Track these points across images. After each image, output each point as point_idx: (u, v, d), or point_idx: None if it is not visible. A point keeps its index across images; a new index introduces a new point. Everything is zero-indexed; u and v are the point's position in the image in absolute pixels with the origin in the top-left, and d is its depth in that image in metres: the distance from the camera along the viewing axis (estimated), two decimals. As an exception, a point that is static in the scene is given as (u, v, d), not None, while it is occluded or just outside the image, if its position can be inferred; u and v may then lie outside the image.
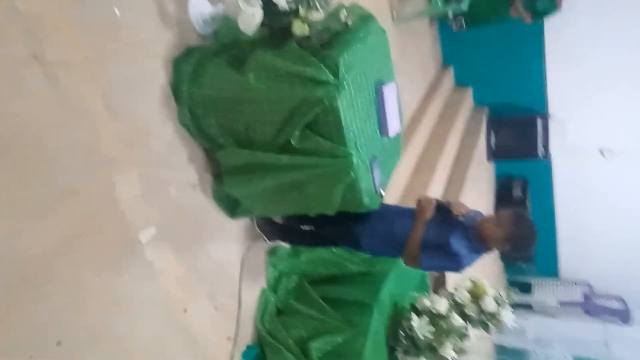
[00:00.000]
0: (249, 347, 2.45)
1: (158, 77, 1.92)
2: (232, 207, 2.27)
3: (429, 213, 2.14)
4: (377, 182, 2.09)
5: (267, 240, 2.55)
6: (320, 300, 2.61)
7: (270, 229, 2.52)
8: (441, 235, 2.13)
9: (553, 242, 6.85)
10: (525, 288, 7.15)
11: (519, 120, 5.89)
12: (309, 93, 1.81)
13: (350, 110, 1.87)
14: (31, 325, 1.47)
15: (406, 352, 2.67)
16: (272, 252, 2.63)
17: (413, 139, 4.34)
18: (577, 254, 6.91)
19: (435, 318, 2.73)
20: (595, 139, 6.00)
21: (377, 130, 2.14)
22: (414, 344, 2.65)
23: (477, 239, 2.17)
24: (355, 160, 1.89)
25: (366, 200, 2.03)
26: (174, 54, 1.97)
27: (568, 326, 6.97)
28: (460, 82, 5.96)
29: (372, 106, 2.08)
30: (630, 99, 5.66)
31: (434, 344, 2.63)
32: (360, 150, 1.94)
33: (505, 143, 5.88)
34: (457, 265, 2.16)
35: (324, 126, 1.86)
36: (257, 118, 1.93)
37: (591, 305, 7.13)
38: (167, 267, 1.97)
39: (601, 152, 6.09)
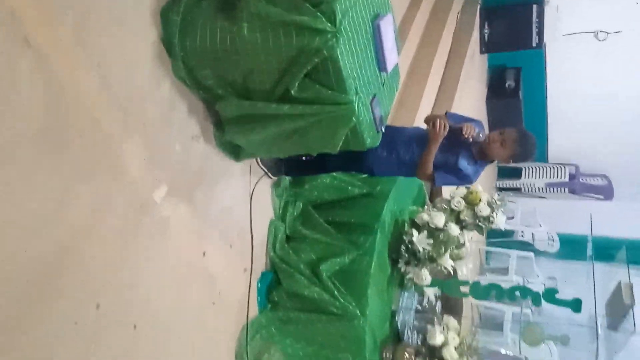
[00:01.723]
0: (263, 274, 2.65)
1: (148, 33, 1.84)
2: (235, 151, 2.31)
3: (441, 137, 2.26)
4: (377, 121, 2.11)
5: (271, 177, 2.63)
6: (326, 225, 2.77)
7: (274, 164, 2.59)
8: (450, 158, 2.33)
9: (543, 129, 6.99)
10: (515, 173, 7.44)
11: (513, 9, 5.66)
12: (306, 43, 1.75)
13: (350, 56, 1.84)
14: (66, 298, 1.58)
15: (408, 264, 2.90)
16: (277, 184, 2.72)
17: (405, 43, 4.22)
18: (566, 138, 7.09)
19: (433, 231, 2.93)
20: (590, 22, 5.85)
21: (376, 68, 2.10)
22: (415, 256, 2.87)
23: (482, 156, 2.38)
24: (356, 106, 1.90)
25: (368, 140, 2.07)
26: (160, 4, 1.87)
27: (554, 205, 7.39)
28: (453, -31, 5.60)
29: (369, 44, 2.02)
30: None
31: (433, 255, 2.85)
32: (360, 94, 1.93)
33: (499, 34, 5.73)
34: (466, 181, 2.45)
35: (324, 75, 1.83)
36: (253, 68, 1.89)
37: (577, 184, 7.48)
38: (182, 219, 2.07)
39: (596, 35, 5.96)
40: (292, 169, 2.68)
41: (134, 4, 1.78)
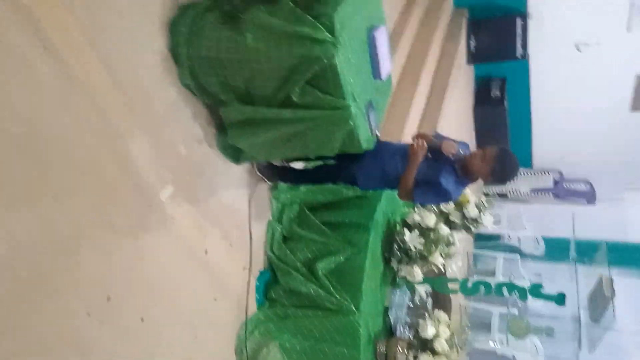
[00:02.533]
0: (261, 272, 2.76)
1: (156, 41, 1.96)
2: (236, 154, 2.43)
3: (421, 157, 2.31)
4: (372, 125, 2.25)
5: (267, 182, 2.75)
6: (321, 225, 2.88)
7: (270, 171, 2.71)
8: (431, 174, 2.34)
9: (528, 136, 7.21)
10: (501, 179, 7.64)
11: (498, 21, 5.88)
12: (307, 52, 1.88)
13: (347, 64, 1.97)
14: (81, 288, 1.69)
15: (400, 262, 3.02)
16: (274, 187, 2.84)
17: (395, 53, 4.38)
18: (550, 145, 7.32)
19: (424, 230, 3.06)
20: (571, 34, 6.09)
21: (371, 75, 2.24)
22: (407, 255, 3.00)
23: (464, 172, 2.38)
24: (353, 110, 2.03)
25: (364, 143, 2.21)
26: (169, 16, 1.99)
27: (539, 210, 7.60)
28: (440, -18, 5.81)
29: (365, 53, 2.17)
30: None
31: (425, 253, 2.98)
32: (357, 99, 2.06)
33: (484, 45, 5.93)
34: (446, 199, 2.42)
35: (323, 81, 1.96)
36: (257, 76, 2.01)
37: (560, 190, 7.71)
38: (186, 217, 2.18)
39: (577, 47, 6.20)
40: (286, 177, 2.79)
41: (144, 14, 1.90)
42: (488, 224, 3.52)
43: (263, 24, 1.90)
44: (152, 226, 2.00)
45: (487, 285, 2.95)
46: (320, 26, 1.85)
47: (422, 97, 4.79)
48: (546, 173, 7.54)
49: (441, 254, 2.98)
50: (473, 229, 3.56)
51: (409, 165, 2.36)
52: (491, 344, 3.66)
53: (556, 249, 5.87)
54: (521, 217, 7.06)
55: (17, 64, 1.45)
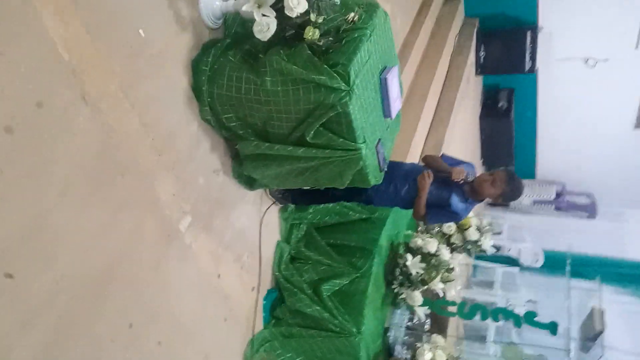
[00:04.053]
0: (268, 292, 2.88)
1: (180, 81, 2.05)
2: (250, 182, 2.53)
3: (428, 186, 2.53)
4: (381, 162, 2.34)
5: (279, 204, 2.85)
6: (327, 247, 3.00)
7: (281, 195, 2.81)
8: (442, 197, 2.57)
9: (533, 148, 7.28)
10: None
11: (508, 33, 5.92)
12: (322, 99, 1.97)
13: (360, 109, 2.06)
14: (106, 314, 1.81)
15: (401, 285, 3.14)
16: (283, 209, 2.95)
17: (405, 67, 4.45)
18: (554, 157, 7.39)
19: (426, 256, 3.17)
20: (580, 49, 6.13)
21: (382, 114, 2.33)
22: (408, 279, 3.12)
23: (473, 194, 2.59)
24: (364, 152, 2.13)
25: (372, 179, 2.31)
26: (192, 56, 2.08)
27: (540, 221, 7.69)
28: (452, -6, 5.85)
29: (377, 93, 2.25)
30: (617, 8, 5.69)
31: (425, 278, 3.10)
32: (367, 141, 2.16)
33: (493, 57, 5.98)
34: (457, 218, 2.69)
35: (336, 125, 2.05)
36: (273, 116, 2.10)
37: (562, 202, 7.80)
38: (201, 245, 2.29)
39: (585, 61, 6.24)
40: (299, 199, 2.90)
41: (169, 54, 1.99)
42: (487, 248, 3.64)
43: (282, 69, 1.99)
44: (172, 255, 2.11)
45: (484, 311, 3.06)
46: (337, 75, 1.94)
47: (430, 109, 4.87)
48: (549, 185, 7.62)
49: (441, 279, 3.09)
50: (473, 251, 3.68)
51: (419, 195, 2.59)
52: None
53: (554, 263, 5.97)
54: (522, 228, 7.16)
55: (59, 113, 1.55)
